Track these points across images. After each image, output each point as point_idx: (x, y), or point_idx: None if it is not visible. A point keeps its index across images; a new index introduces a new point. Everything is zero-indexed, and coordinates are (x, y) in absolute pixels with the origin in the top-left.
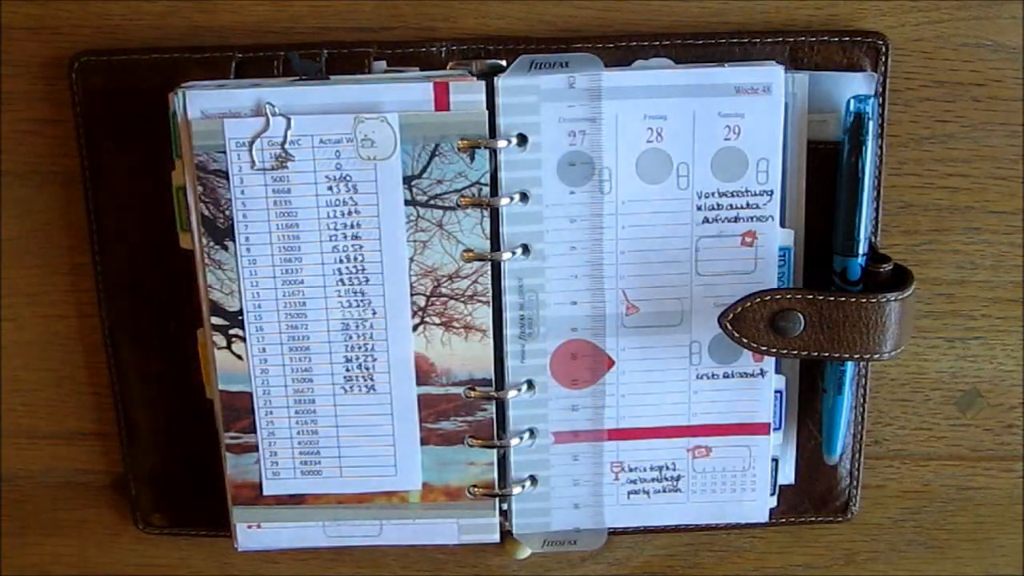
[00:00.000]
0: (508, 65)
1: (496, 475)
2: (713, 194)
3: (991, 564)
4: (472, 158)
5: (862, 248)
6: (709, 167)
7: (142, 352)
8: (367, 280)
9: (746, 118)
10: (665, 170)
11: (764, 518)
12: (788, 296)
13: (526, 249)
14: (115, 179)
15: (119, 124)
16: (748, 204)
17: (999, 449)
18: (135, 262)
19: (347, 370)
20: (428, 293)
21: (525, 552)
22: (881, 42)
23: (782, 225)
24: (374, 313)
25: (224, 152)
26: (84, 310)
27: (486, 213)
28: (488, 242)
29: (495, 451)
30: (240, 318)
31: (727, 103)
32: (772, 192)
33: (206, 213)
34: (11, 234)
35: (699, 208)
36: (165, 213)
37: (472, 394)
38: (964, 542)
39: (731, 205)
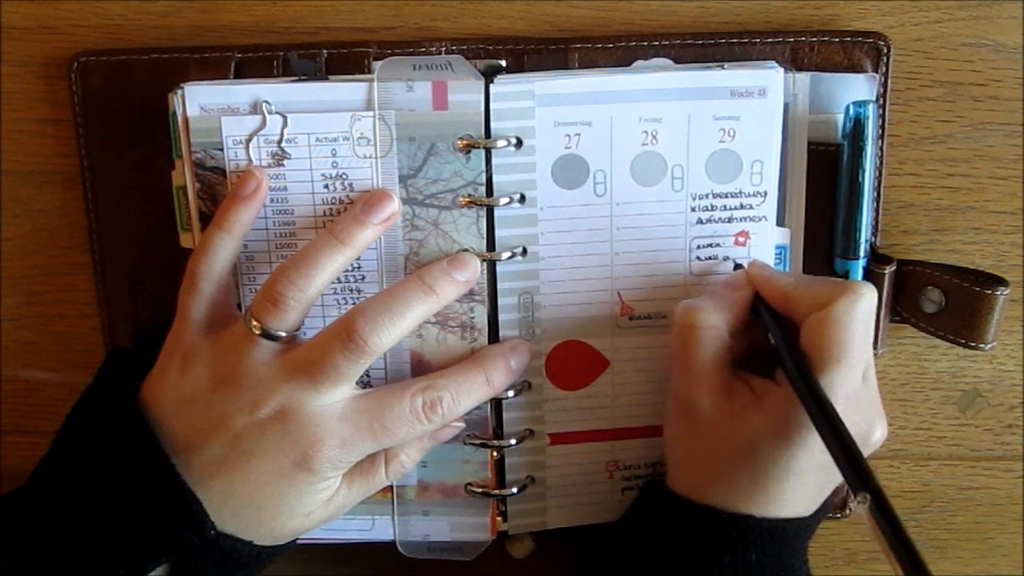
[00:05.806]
0: (507, 65)
1: (494, 475)
2: (707, 195)
3: (991, 564)
4: (468, 158)
5: (862, 251)
6: (703, 169)
7: None
8: (363, 278)
9: (741, 121)
10: (660, 172)
11: None
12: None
13: (524, 250)
14: (115, 179)
15: (119, 124)
16: (742, 205)
17: (999, 449)
18: (135, 262)
19: None
20: None
21: (525, 552)
22: (882, 42)
23: (779, 224)
24: None
25: (221, 149)
26: (84, 310)
27: (482, 213)
28: (484, 241)
29: (490, 451)
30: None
31: (722, 106)
32: (766, 193)
33: (204, 210)
34: (11, 234)
35: (693, 209)
36: (165, 213)
37: None
38: (964, 542)
39: (725, 206)
